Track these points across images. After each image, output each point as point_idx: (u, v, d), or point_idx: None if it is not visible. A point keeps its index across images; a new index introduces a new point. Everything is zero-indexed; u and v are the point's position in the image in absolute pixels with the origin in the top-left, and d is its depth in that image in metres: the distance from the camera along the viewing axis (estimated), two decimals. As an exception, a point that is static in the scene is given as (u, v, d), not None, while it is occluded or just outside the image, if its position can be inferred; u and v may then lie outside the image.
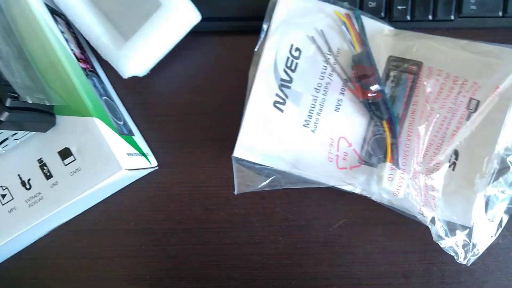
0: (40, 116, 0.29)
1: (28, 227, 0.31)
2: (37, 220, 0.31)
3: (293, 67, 0.34)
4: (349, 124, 0.34)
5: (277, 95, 0.34)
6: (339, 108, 0.34)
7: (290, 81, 0.34)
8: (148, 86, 0.38)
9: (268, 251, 0.38)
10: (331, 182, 0.34)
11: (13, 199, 0.31)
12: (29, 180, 0.31)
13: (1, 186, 0.31)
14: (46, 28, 0.31)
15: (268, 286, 0.38)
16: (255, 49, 0.34)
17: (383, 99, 0.33)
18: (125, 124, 0.35)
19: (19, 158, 0.31)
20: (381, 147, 0.34)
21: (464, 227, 0.33)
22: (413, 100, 0.34)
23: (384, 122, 0.33)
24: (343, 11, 0.34)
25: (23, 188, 0.31)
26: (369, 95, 0.33)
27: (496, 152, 0.32)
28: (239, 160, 0.34)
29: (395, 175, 0.32)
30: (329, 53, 0.34)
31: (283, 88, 0.34)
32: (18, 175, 0.31)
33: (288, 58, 0.34)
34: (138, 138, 0.36)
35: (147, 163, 0.35)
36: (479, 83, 0.32)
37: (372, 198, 0.34)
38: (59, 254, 0.38)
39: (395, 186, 0.32)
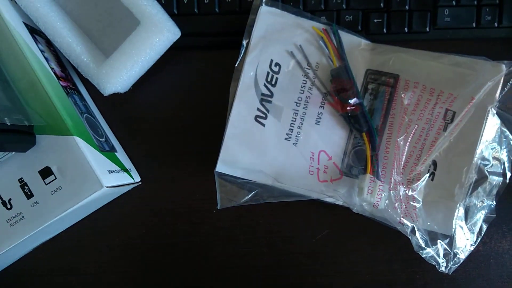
0: (20, 137, 0.29)
1: (10, 247, 0.30)
2: (19, 239, 0.30)
3: (273, 82, 0.35)
4: (329, 137, 0.35)
5: (258, 109, 0.34)
6: (319, 122, 0.35)
7: (271, 96, 0.35)
8: (130, 102, 0.38)
9: (253, 263, 0.38)
10: (313, 195, 0.35)
11: (-6, 219, 0.30)
12: (9, 200, 0.31)
13: (-18, 207, 0.30)
14: (25, 48, 0.31)
15: (254, 298, 0.38)
16: (236, 65, 0.35)
17: (361, 112, 0.33)
18: (107, 140, 0.35)
19: (-1, 178, 0.30)
20: (361, 159, 0.34)
21: (444, 236, 0.33)
22: (391, 113, 0.34)
23: (364, 135, 0.34)
24: (320, 26, 0.35)
25: (4, 208, 0.30)
26: (348, 108, 0.33)
27: (475, 162, 0.33)
28: (221, 175, 0.34)
29: (375, 187, 0.33)
30: (308, 67, 0.35)
31: (264, 103, 0.35)
32: (-1, 195, 0.31)
33: (268, 73, 0.35)
34: (120, 154, 0.36)
35: (130, 179, 0.36)
36: (454, 94, 0.33)
37: (353, 210, 0.34)
38: (44, 271, 0.38)
39: (375, 197, 0.33)
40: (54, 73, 0.33)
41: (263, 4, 0.34)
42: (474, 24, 0.35)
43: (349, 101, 0.33)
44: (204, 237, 0.38)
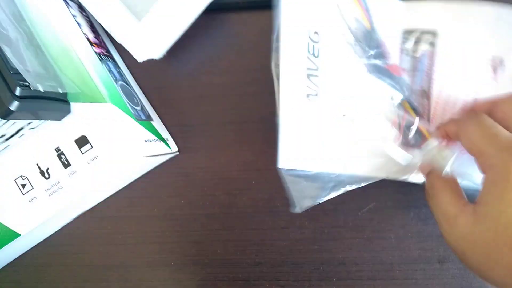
0: (54, 104, 0.28)
1: (49, 217, 0.30)
2: (58, 209, 0.30)
3: (316, 53, 0.31)
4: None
5: (307, 87, 0.31)
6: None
7: (317, 69, 0.31)
8: (165, 69, 0.37)
9: (294, 236, 0.36)
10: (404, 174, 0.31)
11: (33, 188, 0.30)
12: (47, 169, 0.30)
13: (21, 176, 0.30)
14: (57, 13, 0.30)
15: (295, 272, 0.37)
16: (274, 36, 0.31)
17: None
18: (142, 109, 0.34)
19: (36, 147, 0.30)
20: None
21: None
22: (435, 71, 0.31)
23: (408, 106, 0.31)
24: None
25: (42, 177, 0.30)
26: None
27: None
28: (289, 172, 0.31)
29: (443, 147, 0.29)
30: (348, 31, 0.31)
31: (311, 78, 0.31)
32: (37, 164, 0.30)
33: (308, 43, 0.31)
34: (156, 123, 0.35)
35: (167, 148, 0.34)
36: (500, 40, 0.30)
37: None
38: (84, 241, 0.38)
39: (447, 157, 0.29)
40: (87, 38, 0.32)
41: None
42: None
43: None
44: (242, 209, 0.37)
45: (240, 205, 0.37)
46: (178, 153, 0.37)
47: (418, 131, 0.31)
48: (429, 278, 0.35)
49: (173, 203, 0.37)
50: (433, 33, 0.32)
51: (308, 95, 0.31)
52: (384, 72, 0.31)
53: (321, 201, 0.31)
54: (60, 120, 0.29)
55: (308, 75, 0.31)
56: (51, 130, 0.30)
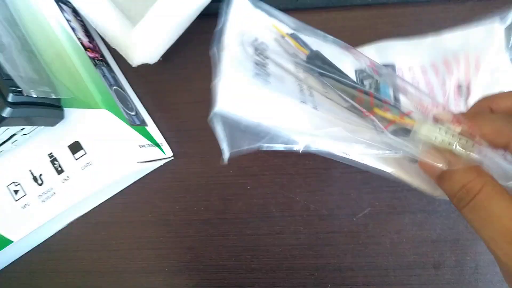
0: (47, 110, 0.28)
1: (42, 224, 0.30)
2: (51, 216, 0.30)
3: (264, 55, 0.28)
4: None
5: (256, 68, 0.26)
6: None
7: (265, 65, 0.27)
8: (160, 74, 0.37)
9: (289, 241, 0.36)
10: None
11: (26, 195, 0.30)
12: (40, 175, 0.30)
13: (14, 182, 0.30)
14: (50, 18, 0.30)
15: (290, 278, 0.36)
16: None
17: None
18: (137, 114, 0.34)
19: (29, 153, 0.30)
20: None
21: None
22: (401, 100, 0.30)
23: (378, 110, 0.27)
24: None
25: (35, 183, 0.30)
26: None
27: None
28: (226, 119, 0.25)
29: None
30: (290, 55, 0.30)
31: (260, 67, 0.27)
32: (30, 170, 0.30)
33: (256, 48, 0.28)
34: (151, 128, 0.35)
35: (161, 153, 0.34)
36: (460, 69, 0.31)
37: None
38: (78, 247, 0.38)
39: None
40: (81, 43, 0.32)
41: None
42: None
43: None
44: (237, 214, 0.36)
45: (235, 210, 0.36)
46: (173, 158, 0.36)
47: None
48: (424, 283, 0.35)
49: (167, 208, 0.37)
50: (391, 66, 0.32)
51: (256, 75, 0.26)
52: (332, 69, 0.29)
53: (250, 149, 0.24)
54: (53, 126, 0.29)
55: (256, 63, 0.27)
56: (44, 136, 0.30)
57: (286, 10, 0.34)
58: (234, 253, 0.37)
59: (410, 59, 0.32)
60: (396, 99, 0.30)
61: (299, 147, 0.24)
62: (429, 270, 0.35)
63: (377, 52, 0.32)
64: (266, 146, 0.24)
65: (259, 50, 0.28)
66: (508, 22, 0.29)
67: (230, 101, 0.23)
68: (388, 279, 0.35)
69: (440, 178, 0.21)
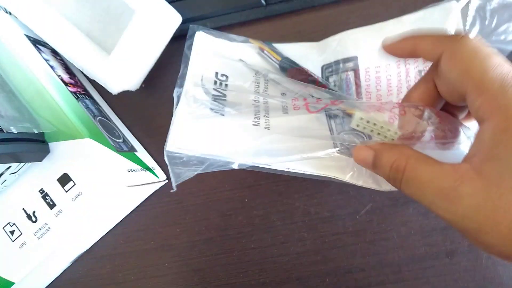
0: (31, 145, 0.28)
1: (41, 260, 0.30)
2: (48, 252, 0.30)
3: (223, 87, 0.31)
4: (306, 126, 0.30)
5: (211, 105, 0.29)
6: (287, 112, 0.31)
7: (224, 96, 0.31)
8: (144, 99, 0.37)
9: (295, 250, 0.35)
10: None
11: (21, 234, 0.30)
12: (34, 212, 0.30)
13: (9, 223, 0.30)
14: (28, 59, 0.31)
15: (302, 287, 0.35)
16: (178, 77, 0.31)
17: (320, 83, 0.31)
18: (125, 141, 0.34)
19: (20, 191, 0.30)
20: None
21: None
22: (365, 87, 0.31)
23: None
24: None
25: (30, 221, 0.30)
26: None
27: None
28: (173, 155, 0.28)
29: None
30: (256, 74, 0.33)
31: (218, 101, 0.30)
32: (23, 208, 0.30)
33: (215, 81, 0.32)
34: (141, 153, 0.35)
35: (154, 177, 0.34)
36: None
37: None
38: (85, 284, 0.37)
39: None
40: (62, 80, 0.33)
41: (199, 30, 0.33)
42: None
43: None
44: (239, 229, 0.36)
45: (236, 225, 0.36)
46: (167, 181, 0.36)
47: (341, 111, 0.28)
48: (440, 274, 0.33)
49: (169, 232, 0.37)
50: (354, 59, 0.32)
51: (212, 110, 0.29)
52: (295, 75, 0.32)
53: (193, 174, 0.28)
54: (40, 161, 0.30)
55: (214, 98, 0.30)
56: (33, 172, 0.30)
57: (258, 20, 0.35)
58: (241, 269, 0.36)
59: (372, 50, 0.32)
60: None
61: (235, 166, 0.28)
62: (443, 260, 0.33)
63: (340, 45, 0.32)
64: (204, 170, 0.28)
65: (220, 82, 0.31)
66: (463, 3, 0.29)
67: (177, 142, 0.28)
68: (402, 275, 0.34)
69: (374, 166, 0.23)
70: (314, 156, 0.27)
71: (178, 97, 0.30)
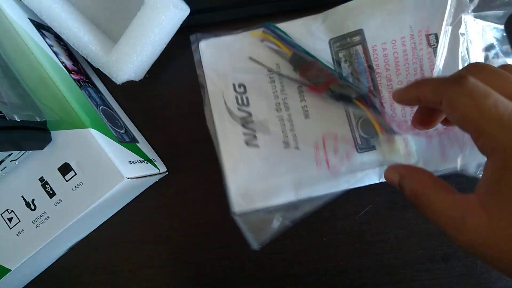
0: (33, 134, 0.28)
1: (38, 249, 0.30)
2: (46, 240, 0.30)
3: (245, 102, 0.33)
4: (326, 123, 0.33)
5: (244, 134, 0.33)
6: (308, 115, 0.33)
7: (250, 115, 0.33)
8: (148, 90, 0.37)
9: (292, 247, 0.35)
10: (338, 188, 0.32)
11: (20, 221, 0.30)
12: (33, 200, 0.30)
13: (7, 210, 0.30)
14: (31, 44, 0.30)
15: (297, 285, 0.35)
16: (204, 105, 0.34)
17: (341, 81, 0.31)
18: (126, 132, 0.34)
19: (20, 179, 0.30)
20: (371, 127, 0.32)
21: None
22: (376, 68, 0.32)
23: (357, 102, 0.31)
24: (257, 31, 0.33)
25: (28, 209, 0.30)
26: (326, 87, 0.31)
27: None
28: (241, 214, 0.33)
29: (393, 143, 0.30)
30: (270, 72, 0.33)
31: (247, 125, 0.33)
32: (22, 196, 0.30)
33: (236, 97, 0.33)
34: (142, 144, 0.35)
35: (155, 169, 0.34)
36: (425, 20, 0.31)
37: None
38: (81, 272, 0.37)
39: (401, 150, 0.30)
40: (65, 66, 0.32)
41: (201, 40, 0.34)
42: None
43: (321, 80, 0.31)
44: (237, 224, 0.36)
45: (234, 220, 0.36)
46: (167, 173, 0.36)
47: (370, 124, 0.31)
48: (435, 278, 0.34)
49: (167, 224, 0.37)
50: (360, 32, 0.32)
51: (247, 142, 0.33)
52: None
53: (270, 239, 0.32)
54: (41, 149, 0.29)
55: (243, 124, 0.33)
56: (34, 160, 0.30)
57: (267, 15, 0.34)
58: (237, 264, 0.36)
59: (375, 24, 0.32)
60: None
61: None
62: (439, 264, 0.34)
63: (343, 18, 0.32)
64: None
65: (240, 97, 0.33)
66: None
67: (241, 201, 0.33)
68: (398, 276, 0.34)
69: (399, 186, 0.24)
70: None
71: (210, 111, 0.34)
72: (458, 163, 0.30)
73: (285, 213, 0.32)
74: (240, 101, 0.33)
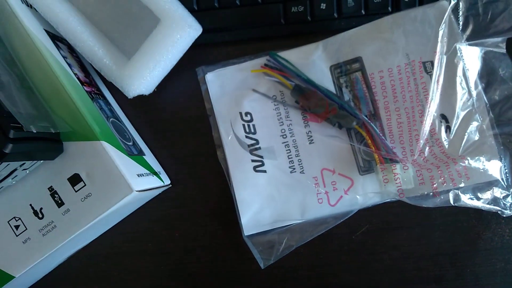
0: (47, 144, 0.28)
1: (43, 257, 0.30)
2: (52, 249, 0.30)
3: (252, 130, 0.35)
4: (330, 148, 0.34)
5: (252, 161, 0.35)
6: (312, 140, 0.34)
7: (257, 142, 0.35)
8: (155, 104, 0.37)
9: (290, 264, 0.36)
10: (346, 211, 0.34)
11: (26, 229, 0.30)
12: (41, 209, 0.30)
13: (14, 218, 0.30)
14: (47, 55, 0.30)
15: (293, 300, 0.36)
16: (213, 133, 0.36)
17: (340, 110, 0.33)
18: (134, 144, 0.35)
19: (29, 187, 0.30)
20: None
21: (488, 184, 0.32)
22: (375, 94, 0.34)
23: (358, 127, 0.33)
24: (260, 62, 0.35)
25: (36, 217, 0.30)
26: (326, 114, 0.33)
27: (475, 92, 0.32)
28: (251, 236, 0.35)
29: (389, 173, 0.32)
30: (274, 100, 0.35)
31: (254, 152, 0.35)
32: (30, 204, 0.30)
33: (244, 125, 0.35)
34: (149, 157, 0.36)
35: (160, 182, 0.35)
36: (420, 49, 0.33)
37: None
38: (78, 280, 0.38)
39: (394, 183, 0.32)
40: (78, 78, 0.33)
41: (207, 73, 0.36)
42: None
43: (321, 109, 0.33)
44: (237, 239, 0.37)
45: (235, 235, 0.37)
46: (171, 186, 0.37)
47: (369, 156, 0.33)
48: (426, 298, 0.35)
49: (167, 236, 0.37)
50: (359, 60, 0.34)
51: (255, 168, 0.35)
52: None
53: (278, 258, 0.34)
54: (53, 159, 0.30)
55: (251, 151, 0.35)
56: (44, 170, 0.30)
57: (276, 37, 0.36)
58: (235, 278, 0.37)
59: (372, 52, 0.33)
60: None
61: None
62: (431, 285, 0.35)
63: (341, 47, 0.34)
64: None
65: (247, 125, 0.35)
66: (453, 3, 0.32)
67: (251, 226, 0.34)
68: (391, 295, 0.35)
69: None
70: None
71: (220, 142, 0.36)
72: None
73: (291, 234, 0.34)
74: (247, 129, 0.35)
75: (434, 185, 0.32)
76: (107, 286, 0.37)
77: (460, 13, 0.32)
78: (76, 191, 0.30)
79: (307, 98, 0.33)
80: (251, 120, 0.35)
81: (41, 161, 0.30)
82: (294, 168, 0.34)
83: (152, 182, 0.33)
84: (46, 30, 0.33)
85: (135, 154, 0.33)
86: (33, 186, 0.30)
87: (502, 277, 0.34)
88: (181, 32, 0.31)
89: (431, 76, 0.32)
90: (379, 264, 0.36)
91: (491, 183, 0.32)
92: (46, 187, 0.30)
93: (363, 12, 0.34)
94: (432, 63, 0.32)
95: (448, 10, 0.31)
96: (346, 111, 0.33)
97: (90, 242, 0.37)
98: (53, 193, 0.30)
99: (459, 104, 0.32)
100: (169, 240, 0.37)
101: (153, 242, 0.37)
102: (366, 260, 0.36)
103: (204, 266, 0.37)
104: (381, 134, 0.33)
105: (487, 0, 0.32)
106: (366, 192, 0.33)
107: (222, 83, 0.35)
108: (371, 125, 0.32)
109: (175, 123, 0.37)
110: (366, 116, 0.33)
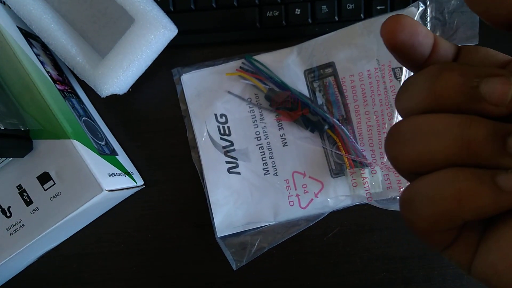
0: (16, 142, 0.28)
1: (11, 256, 0.30)
2: (20, 248, 0.30)
3: (227, 132, 0.35)
4: (303, 151, 0.35)
5: (227, 162, 0.35)
6: (286, 143, 0.35)
7: (232, 144, 0.35)
8: (130, 104, 0.37)
9: (262, 265, 0.36)
10: (316, 213, 0.35)
11: (-7, 228, 0.30)
12: (9, 207, 0.30)
13: (-19, 216, 0.30)
14: (19, 52, 0.30)
15: (265, 302, 0.37)
16: (187, 134, 0.36)
17: (311, 112, 0.33)
18: (107, 144, 0.35)
19: (-3, 185, 0.30)
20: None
21: None
22: (346, 98, 0.34)
23: (329, 131, 0.34)
24: (235, 65, 0.35)
25: (4, 216, 0.30)
26: (298, 113, 0.34)
27: None
28: (224, 238, 0.35)
29: (358, 177, 0.33)
30: (249, 102, 0.35)
31: (229, 153, 0.35)
32: (-2, 203, 0.30)
33: (218, 126, 0.35)
34: (122, 157, 0.35)
35: (132, 182, 0.35)
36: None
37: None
38: (49, 281, 0.37)
39: (363, 187, 0.33)
40: (50, 76, 0.33)
41: (183, 74, 0.36)
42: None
43: (294, 107, 0.34)
44: (211, 241, 0.37)
45: (208, 237, 0.37)
46: (144, 186, 0.37)
47: (341, 159, 0.34)
48: (395, 300, 0.36)
49: (140, 237, 0.37)
50: (332, 65, 0.34)
51: (229, 170, 0.35)
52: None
53: (250, 260, 0.34)
54: (22, 157, 0.29)
55: (225, 152, 0.35)
56: (13, 168, 0.30)
57: (251, 40, 0.36)
58: (208, 281, 0.37)
59: (344, 58, 0.34)
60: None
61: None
62: (400, 286, 0.36)
63: (314, 52, 0.35)
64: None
65: (222, 126, 0.35)
66: (421, 9, 0.33)
67: (224, 227, 0.35)
68: (361, 297, 0.36)
69: None
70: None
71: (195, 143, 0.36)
72: None
73: (264, 236, 0.34)
74: (222, 131, 0.35)
75: (401, 189, 0.32)
76: (78, 287, 0.37)
77: (428, 19, 0.33)
78: (45, 190, 0.30)
79: (278, 99, 0.34)
80: (226, 122, 0.35)
81: (10, 159, 0.29)
82: (268, 170, 0.35)
83: (124, 182, 0.33)
84: (19, 27, 0.33)
85: (108, 154, 0.33)
86: (1, 184, 0.30)
87: (468, 279, 0.35)
88: (155, 33, 0.32)
89: (400, 82, 0.33)
90: (350, 265, 0.36)
91: None
92: (15, 185, 0.30)
93: (336, 18, 0.35)
94: (401, 68, 0.33)
95: (416, 16, 0.32)
96: (318, 115, 0.33)
97: (62, 242, 0.36)
98: (21, 191, 0.30)
99: None
100: (142, 241, 0.37)
101: (126, 243, 0.37)
102: (337, 262, 0.36)
103: (177, 268, 0.37)
104: (351, 138, 0.33)
105: (453, 9, 0.32)
106: (337, 195, 0.34)
107: (197, 85, 0.36)
108: (341, 128, 0.33)
109: (150, 123, 0.37)
110: (338, 120, 0.34)
